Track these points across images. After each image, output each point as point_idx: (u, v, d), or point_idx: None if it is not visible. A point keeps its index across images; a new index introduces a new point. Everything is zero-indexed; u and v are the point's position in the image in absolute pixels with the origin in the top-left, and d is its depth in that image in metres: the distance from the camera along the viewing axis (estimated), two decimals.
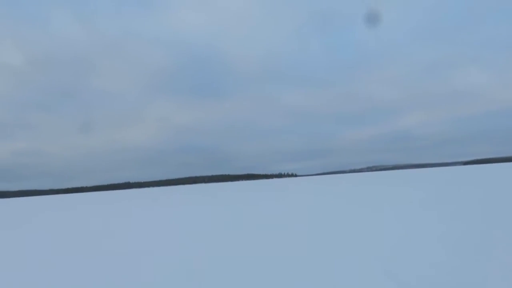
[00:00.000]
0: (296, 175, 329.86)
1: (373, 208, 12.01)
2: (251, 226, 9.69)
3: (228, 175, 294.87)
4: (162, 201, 28.05)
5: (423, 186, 24.00)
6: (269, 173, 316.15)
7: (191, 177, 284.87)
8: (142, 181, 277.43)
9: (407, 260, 5.12)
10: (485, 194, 14.64)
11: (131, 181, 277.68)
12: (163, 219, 13.38)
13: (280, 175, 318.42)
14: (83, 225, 13.58)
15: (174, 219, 13.32)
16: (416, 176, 53.50)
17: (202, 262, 5.88)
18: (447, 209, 10.36)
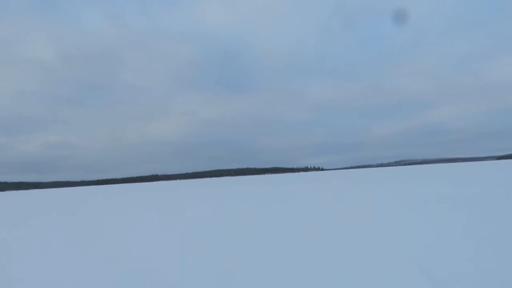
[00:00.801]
0: (322, 169, 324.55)
1: (400, 203, 11.47)
2: (279, 220, 9.33)
3: (254, 168, 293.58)
4: (185, 194, 28.16)
5: (453, 181, 23.08)
6: (295, 166, 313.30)
7: (218, 170, 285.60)
8: (169, 174, 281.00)
9: (439, 256, 4.92)
10: None
11: (159, 173, 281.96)
12: (185, 212, 13.32)
13: (306, 169, 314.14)
14: (110, 215, 14.08)
15: (196, 212, 13.23)
16: (445, 170, 52.88)
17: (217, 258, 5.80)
18: (478, 205, 9.89)
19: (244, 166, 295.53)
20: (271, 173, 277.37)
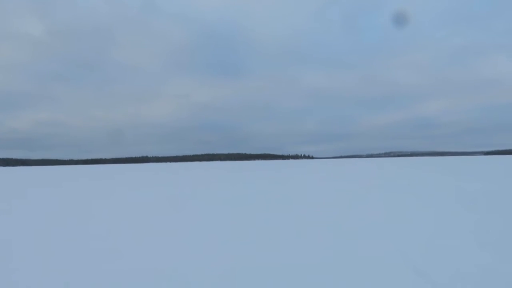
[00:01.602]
0: (312, 157, 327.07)
1: (385, 195, 11.35)
2: (269, 211, 8.88)
3: (245, 154, 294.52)
4: (171, 176, 28.17)
5: (436, 173, 23.40)
6: (285, 154, 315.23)
7: (208, 154, 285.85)
8: (159, 156, 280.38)
9: (435, 254, 4.58)
10: (502, 185, 14.01)
11: (149, 155, 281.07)
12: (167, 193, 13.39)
13: (296, 157, 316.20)
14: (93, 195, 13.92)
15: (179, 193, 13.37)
16: (431, 163, 52.87)
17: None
18: (471, 200, 9.71)
19: (235, 152, 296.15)
20: (261, 160, 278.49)
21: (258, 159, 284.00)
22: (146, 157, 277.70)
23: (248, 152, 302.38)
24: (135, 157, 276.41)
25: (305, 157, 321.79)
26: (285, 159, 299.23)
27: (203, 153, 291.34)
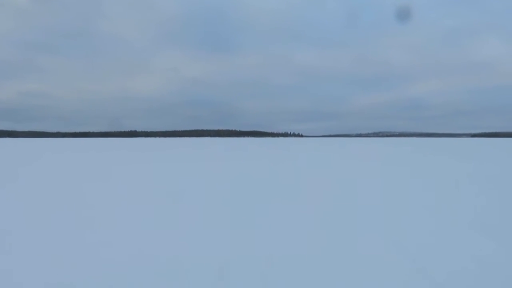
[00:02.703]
0: (301, 136, 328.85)
1: (379, 177, 11.15)
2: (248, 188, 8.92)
3: (234, 130, 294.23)
4: (160, 153, 27.54)
5: (428, 154, 23.83)
6: (275, 131, 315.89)
7: (197, 130, 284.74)
8: (148, 131, 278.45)
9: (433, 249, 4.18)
10: (486, 167, 14.25)
11: (138, 129, 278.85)
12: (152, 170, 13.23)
13: (286, 134, 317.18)
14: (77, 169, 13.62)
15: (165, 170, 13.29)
16: (419, 144, 53.43)
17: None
18: (452, 182, 9.78)
19: (225, 128, 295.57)
20: (251, 137, 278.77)
21: (248, 136, 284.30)
22: (135, 131, 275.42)
23: (237, 128, 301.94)
24: (124, 131, 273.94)
25: (294, 135, 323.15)
26: (274, 136, 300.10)
27: (192, 128, 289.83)
